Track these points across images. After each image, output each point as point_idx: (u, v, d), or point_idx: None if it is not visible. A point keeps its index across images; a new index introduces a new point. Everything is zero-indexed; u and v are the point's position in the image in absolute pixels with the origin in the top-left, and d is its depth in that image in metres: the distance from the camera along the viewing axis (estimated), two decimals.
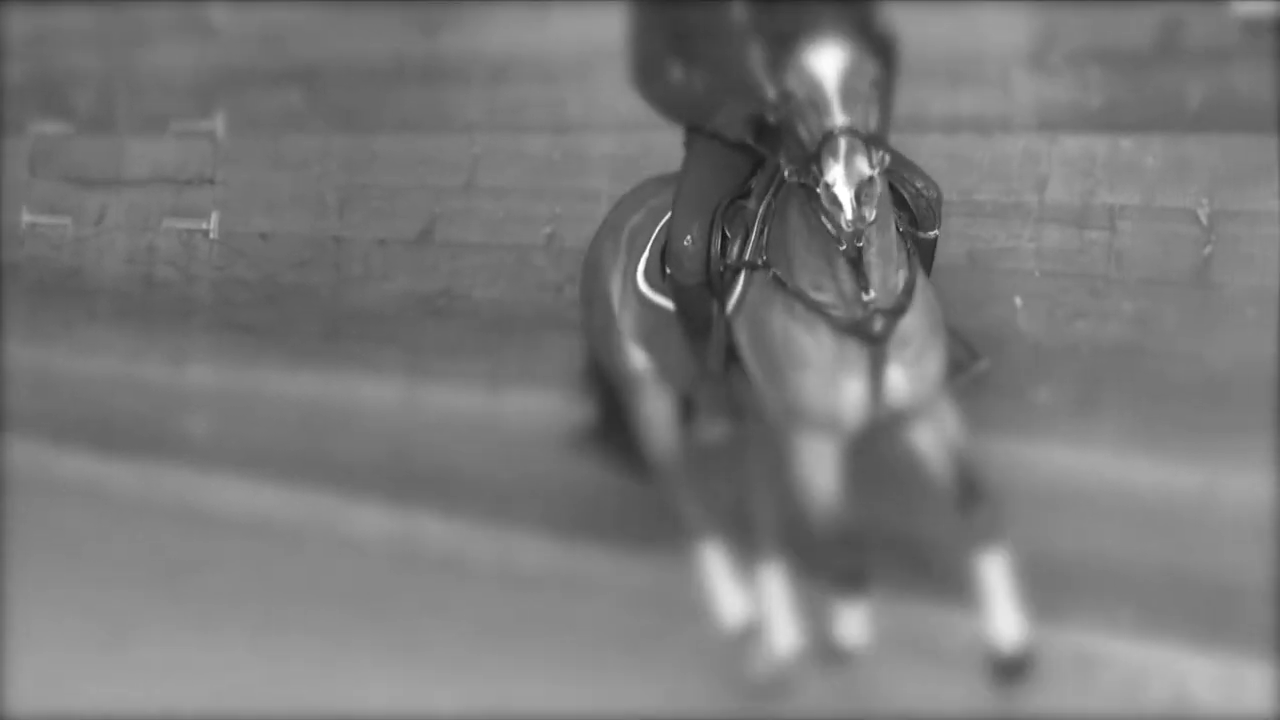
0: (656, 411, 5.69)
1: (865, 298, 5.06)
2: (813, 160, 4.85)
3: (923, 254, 5.24)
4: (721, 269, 5.25)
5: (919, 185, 5.24)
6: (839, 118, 4.84)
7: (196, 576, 7.03)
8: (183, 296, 7.92)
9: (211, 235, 7.80)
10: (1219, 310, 5.48)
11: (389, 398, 7.26)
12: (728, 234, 5.25)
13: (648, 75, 5.42)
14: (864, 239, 4.90)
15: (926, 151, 5.54)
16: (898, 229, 5.13)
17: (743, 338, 5.26)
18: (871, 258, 5.02)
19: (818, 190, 4.82)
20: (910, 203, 5.21)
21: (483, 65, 7.03)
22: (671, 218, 5.35)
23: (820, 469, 5.23)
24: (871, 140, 4.86)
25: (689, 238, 5.26)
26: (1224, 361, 5.47)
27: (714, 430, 5.81)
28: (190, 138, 7.90)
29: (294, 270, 7.56)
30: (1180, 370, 5.56)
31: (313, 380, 7.50)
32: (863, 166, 4.79)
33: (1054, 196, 5.82)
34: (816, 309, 5.09)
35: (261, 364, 7.66)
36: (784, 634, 5.73)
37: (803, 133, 4.92)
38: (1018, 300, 5.88)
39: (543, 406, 6.68)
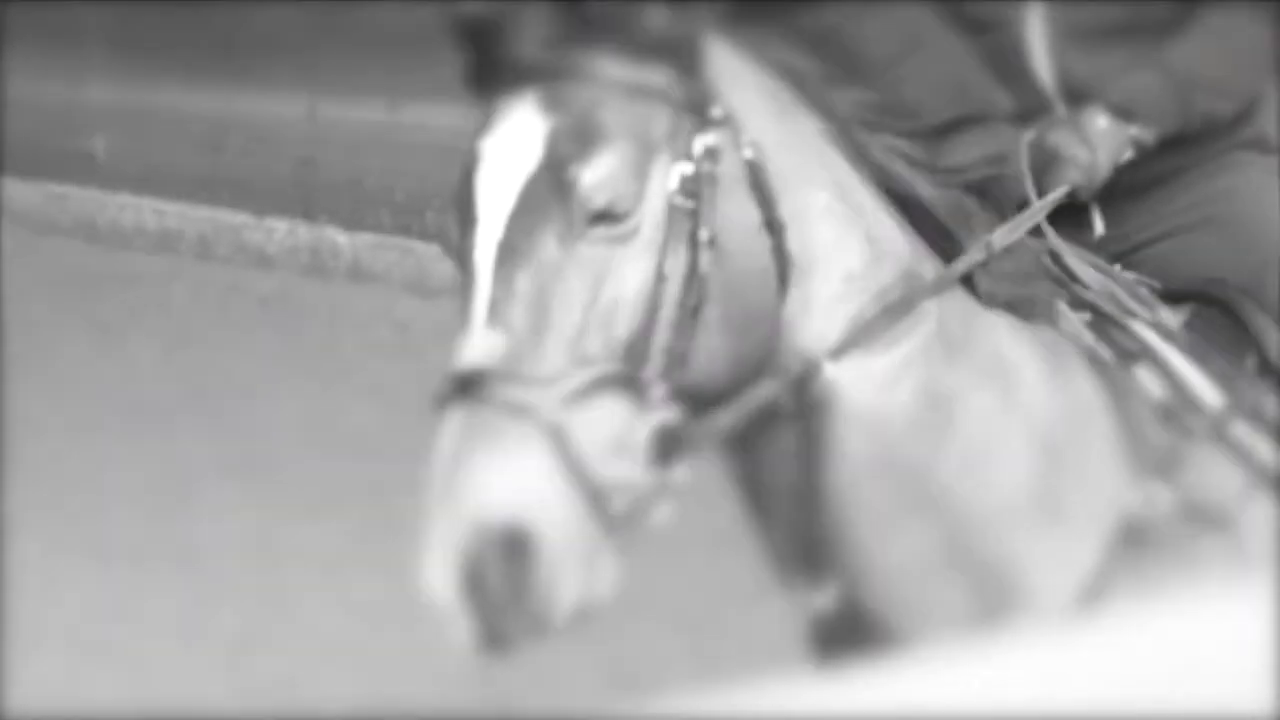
0: None
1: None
2: None
3: None
4: None
5: None
6: (472, 341, 2.06)
7: (107, 294, 7.09)
8: (76, 16, 7.87)
9: None
10: None
11: (290, 114, 7.29)
12: None
13: None
14: None
15: None
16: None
17: None
18: None
19: None
20: None
21: None
22: None
23: None
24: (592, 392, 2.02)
25: None
26: None
27: None
28: None
29: None
30: None
31: (213, 99, 7.51)
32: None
33: None
34: None
35: (160, 83, 7.66)
36: None
37: None
38: None
39: (442, 119, 6.72)
